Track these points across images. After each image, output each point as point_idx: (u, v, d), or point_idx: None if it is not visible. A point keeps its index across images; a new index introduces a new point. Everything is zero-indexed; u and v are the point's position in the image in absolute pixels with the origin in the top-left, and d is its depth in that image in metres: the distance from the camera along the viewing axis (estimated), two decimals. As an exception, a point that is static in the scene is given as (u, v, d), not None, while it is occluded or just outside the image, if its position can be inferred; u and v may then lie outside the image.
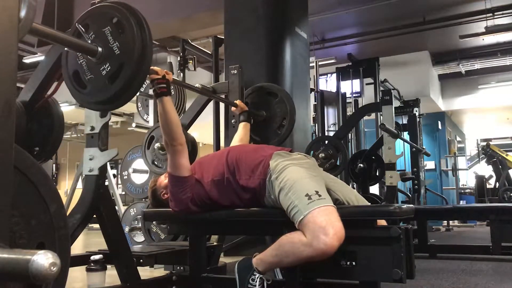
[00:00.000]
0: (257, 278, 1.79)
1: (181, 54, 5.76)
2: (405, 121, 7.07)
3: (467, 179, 12.31)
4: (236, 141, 2.71)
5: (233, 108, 3.03)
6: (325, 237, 1.57)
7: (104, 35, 1.58)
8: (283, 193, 1.78)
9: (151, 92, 2.13)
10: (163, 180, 2.22)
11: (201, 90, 2.95)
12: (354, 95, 7.19)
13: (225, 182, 1.97)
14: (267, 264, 1.79)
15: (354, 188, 5.17)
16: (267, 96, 3.31)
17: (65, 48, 1.69)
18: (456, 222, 8.16)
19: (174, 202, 2.03)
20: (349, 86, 7.22)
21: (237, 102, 2.96)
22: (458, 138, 12.99)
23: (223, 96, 3.38)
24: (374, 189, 5.91)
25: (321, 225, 1.59)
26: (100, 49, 1.57)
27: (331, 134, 6.03)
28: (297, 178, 1.79)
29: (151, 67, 1.86)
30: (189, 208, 2.01)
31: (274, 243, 1.77)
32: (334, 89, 7.34)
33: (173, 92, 3.66)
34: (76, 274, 2.71)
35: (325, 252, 1.58)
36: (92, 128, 2.08)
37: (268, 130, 3.26)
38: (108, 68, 1.57)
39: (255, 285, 1.78)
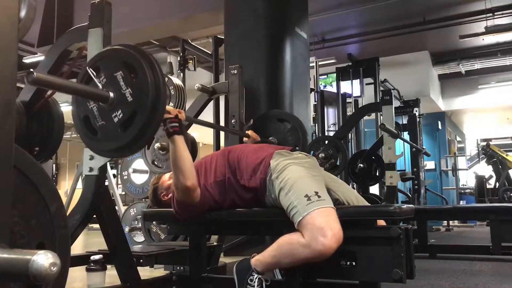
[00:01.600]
0: (256, 278, 1.79)
1: (181, 54, 5.77)
2: (405, 121, 7.06)
3: (467, 179, 12.31)
4: None
5: (245, 139, 3.03)
6: (323, 238, 1.57)
7: (116, 80, 1.51)
8: (283, 192, 1.78)
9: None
10: (166, 180, 2.21)
11: (214, 124, 2.93)
12: (354, 97, 7.19)
13: (227, 182, 1.97)
14: (265, 265, 1.79)
15: (354, 188, 5.17)
16: (278, 122, 3.30)
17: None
18: (456, 222, 8.17)
19: (179, 213, 2.04)
20: (350, 86, 7.22)
21: (249, 132, 2.95)
22: (458, 138, 12.99)
23: (223, 98, 3.38)
24: (374, 189, 5.91)
25: (319, 227, 1.60)
26: (111, 95, 1.51)
27: (331, 134, 6.03)
28: (297, 178, 1.79)
29: None
30: (194, 214, 2.03)
31: (273, 243, 1.77)
32: (334, 89, 7.35)
33: (173, 92, 3.65)
34: (76, 274, 2.70)
35: (323, 254, 1.58)
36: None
37: None
38: (121, 115, 1.50)
39: (254, 286, 1.78)
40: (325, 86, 7.79)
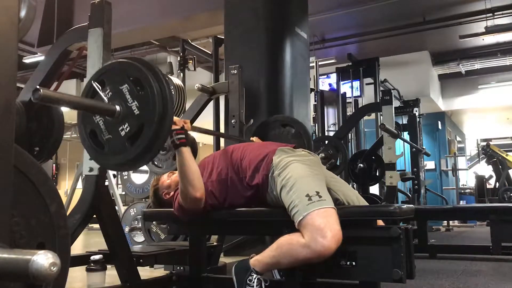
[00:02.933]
0: (255, 279, 1.78)
1: (181, 54, 5.78)
2: (405, 121, 7.07)
3: (467, 179, 12.31)
4: None
5: None
6: (323, 239, 1.57)
7: (121, 93, 1.50)
8: (284, 190, 1.77)
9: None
10: (166, 180, 2.21)
11: (217, 132, 2.93)
12: (354, 97, 7.19)
13: (229, 181, 1.97)
14: (264, 265, 1.79)
15: (354, 188, 5.17)
16: (281, 128, 3.29)
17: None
18: (456, 222, 8.16)
19: (180, 214, 2.04)
20: (350, 87, 7.23)
21: (254, 139, 2.93)
22: (458, 138, 12.99)
23: (223, 98, 3.38)
24: (374, 189, 5.91)
25: (319, 227, 1.59)
26: (118, 108, 1.49)
27: (331, 134, 6.03)
28: (299, 177, 1.78)
29: None
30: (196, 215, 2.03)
31: (272, 243, 1.77)
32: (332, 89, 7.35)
33: (173, 92, 3.66)
34: (76, 274, 2.70)
35: (322, 254, 1.58)
36: (92, 128, 2.08)
37: None
38: (127, 129, 1.48)
39: (253, 286, 1.78)
40: (330, 84, 7.79)
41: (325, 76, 7.96)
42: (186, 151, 1.88)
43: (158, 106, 1.45)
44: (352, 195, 2.00)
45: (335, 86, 7.37)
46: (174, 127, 1.84)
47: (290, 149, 1.98)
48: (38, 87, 1.25)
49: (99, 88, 1.53)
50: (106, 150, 1.55)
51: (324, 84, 7.78)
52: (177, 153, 1.88)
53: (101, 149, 1.56)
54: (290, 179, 1.78)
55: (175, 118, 1.89)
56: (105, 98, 1.52)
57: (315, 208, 1.64)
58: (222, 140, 4.58)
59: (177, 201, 2.01)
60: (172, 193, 2.14)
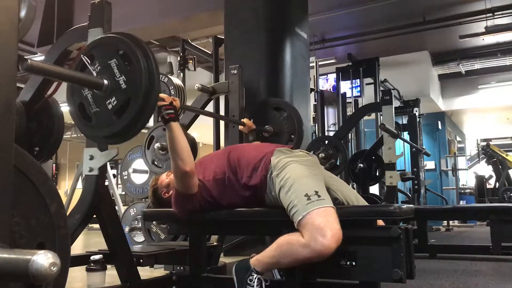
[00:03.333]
0: (255, 278, 1.78)
1: (181, 54, 5.77)
2: (405, 121, 7.07)
3: (467, 179, 12.31)
4: None
5: (240, 127, 3.02)
6: (323, 238, 1.57)
7: (110, 68, 1.53)
8: (283, 191, 1.78)
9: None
10: (164, 179, 2.22)
11: (212, 113, 2.93)
12: (354, 97, 7.19)
13: (227, 180, 1.97)
14: (265, 265, 1.79)
15: (354, 188, 5.17)
16: (274, 111, 3.30)
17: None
18: (456, 222, 8.16)
19: (178, 211, 2.04)
20: (350, 88, 7.23)
21: (244, 120, 2.93)
22: (458, 138, 12.99)
23: (223, 98, 3.38)
24: (374, 189, 5.91)
25: (319, 227, 1.59)
26: (106, 82, 1.53)
27: (331, 134, 6.03)
28: (297, 177, 1.78)
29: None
30: (191, 213, 2.03)
31: (272, 243, 1.77)
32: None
33: (173, 92, 3.65)
34: (76, 274, 2.70)
35: (322, 254, 1.58)
36: (92, 128, 2.08)
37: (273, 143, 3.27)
38: (115, 102, 1.52)
39: (253, 286, 1.78)
40: (334, 87, 7.80)
41: (325, 76, 7.96)
42: (176, 126, 1.91)
43: (144, 81, 1.49)
44: (351, 195, 2.00)
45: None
46: (162, 103, 1.89)
47: (288, 150, 1.98)
48: (25, 57, 1.27)
49: (88, 62, 1.57)
50: (94, 123, 1.59)
51: (328, 82, 7.80)
52: (167, 128, 1.91)
53: (89, 122, 1.60)
54: (288, 179, 1.78)
55: (163, 95, 1.94)
56: (94, 72, 1.56)
57: (314, 207, 1.64)
58: (222, 140, 4.58)
59: (174, 195, 2.03)
60: (171, 192, 2.14)
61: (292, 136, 3.22)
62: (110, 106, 1.53)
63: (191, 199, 1.99)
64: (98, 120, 1.57)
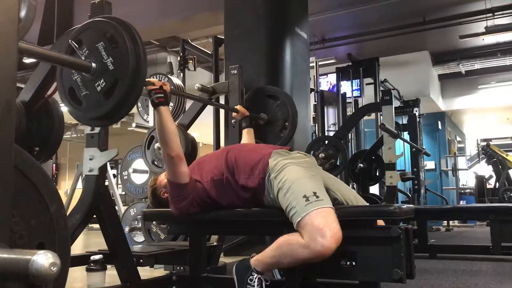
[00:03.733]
0: (256, 278, 1.79)
1: (181, 54, 5.77)
2: (405, 121, 7.07)
3: (467, 179, 12.31)
4: None
5: (234, 114, 3.00)
6: (322, 239, 1.57)
7: (97, 51, 1.58)
8: (281, 193, 1.78)
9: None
10: (163, 179, 2.21)
11: (200, 97, 2.94)
12: (354, 97, 7.19)
13: (225, 181, 1.96)
14: (265, 265, 1.79)
15: (354, 188, 5.18)
16: (268, 98, 3.31)
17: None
18: (456, 222, 8.17)
19: (174, 206, 2.03)
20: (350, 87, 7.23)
21: (238, 107, 2.90)
22: (458, 138, 12.99)
23: (223, 98, 3.38)
24: (374, 189, 5.91)
25: (318, 227, 1.59)
26: (94, 65, 1.57)
27: (331, 134, 6.03)
28: (295, 178, 1.78)
29: (148, 79, 1.87)
30: (189, 211, 2.01)
31: (272, 243, 1.77)
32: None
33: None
34: (76, 274, 2.71)
35: (322, 254, 1.58)
36: (92, 128, 2.08)
37: (270, 132, 3.27)
38: (103, 84, 1.57)
39: (254, 285, 1.78)
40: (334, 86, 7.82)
41: (325, 76, 7.96)
42: (165, 110, 1.94)
43: (131, 61, 1.53)
44: (350, 195, 2.00)
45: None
46: (152, 87, 1.93)
47: (286, 151, 1.98)
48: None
49: (76, 47, 1.61)
50: (84, 106, 1.63)
51: (329, 82, 7.81)
52: (156, 112, 1.94)
53: (79, 105, 1.64)
54: (286, 181, 1.78)
55: (153, 79, 1.97)
56: (82, 57, 1.60)
57: (313, 208, 1.64)
58: (222, 140, 4.58)
59: (168, 189, 2.03)
60: None
61: (286, 123, 3.24)
62: (99, 88, 1.57)
63: (183, 191, 1.97)
64: (88, 103, 1.62)
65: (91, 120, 1.70)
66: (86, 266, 2.21)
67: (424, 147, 7.16)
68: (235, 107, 2.92)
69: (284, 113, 3.25)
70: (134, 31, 1.57)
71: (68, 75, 1.65)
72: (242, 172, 1.93)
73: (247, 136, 2.75)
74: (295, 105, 3.31)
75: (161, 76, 3.62)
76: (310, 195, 1.68)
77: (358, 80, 7.16)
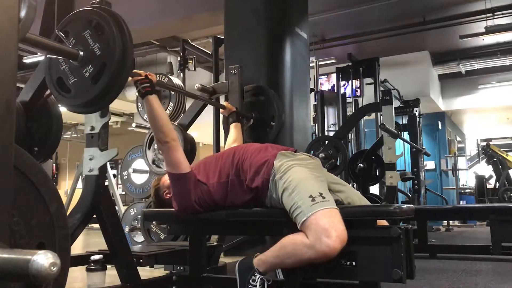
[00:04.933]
0: (258, 278, 1.78)
1: (181, 54, 5.76)
2: (405, 121, 7.07)
3: (467, 179, 12.31)
4: (229, 143, 2.72)
5: (221, 110, 3.06)
6: (328, 239, 1.57)
7: (84, 39, 1.62)
8: (286, 193, 1.77)
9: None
10: (166, 179, 2.21)
11: (200, 95, 2.97)
12: (354, 97, 7.19)
13: (230, 184, 1.97)
14: (268, 265, 1.79)
15: (354, 188, 5.17)
16: (256, 97, 3.36)
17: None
18: (456, 222, 8.17)
19: (177, 202, 2.02)
20: (349, 87, 7.23)
21: (225, 103, 2.98)
22: (458, 138, 12.99)
23: (223, 98, 3.40)
24: (374, 189, 5.91)
25: (323, 227, 1.59)
26: (81, 52, 1.61)
27: (331, 134, 6.03)
28: (301, 179, 1.78)
29: (133, 71, 1.90)
30: (194, 208, 1.99)
31: (275, 244, 1.77)
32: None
33: (173, 92, 3.65)
34: (76, 274, 2.71)
35: (327, 255, 1.58)
36: (92, 128, 2.08)
37: (259, 131, 3.31)
38: (91, 69, 1.61)
39: (256, 286, 1.78)
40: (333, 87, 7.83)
41: (324, 76, 7.96)
42: (153, 99, 1.96)
43: (117, 45, 1.57)
44: (354, 196, 2.00)
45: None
46: (138, 78, 1.95)
47: (291, 153, 1.99)
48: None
49: (63, 37, 1.65)
50: (73, 93, 1.67)
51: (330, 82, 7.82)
52: (144, 101, 1.96)
53: (68, 93, 1.69)
54: (292, 182, 1.78)
55: (139, 71, 2.00)
56: (69, 46, 1.64)
57: (319, 208, 1.64)
58: (222, 140, 4.58)
59: (170, 184, 2.03)
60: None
61: (274, 118, 3.33)
62: (87, 74, 1.62)
63: (186, 183, 1.96)
64: (77, 90, 1.65)
65: (80, 107, 1.73)
66: (86, 266, 2.21)
67: (424, 147, 7.16)
68: (223, 103, 3.01)
69: (270, 110, 3.34)
70: (118, 16, 1.62)
71: (57, 66, 1.70)
72: (248, 173, 1.93)
73: (234, 130, 2.83)
74: (294, 103, 3.33)
75: (161, 76, 3.62)
76: (316, 196, 1.68)
77: (354, 80, 7.14)
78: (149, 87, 1.95)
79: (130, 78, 1.91)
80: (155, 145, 3.37)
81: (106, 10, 1.64)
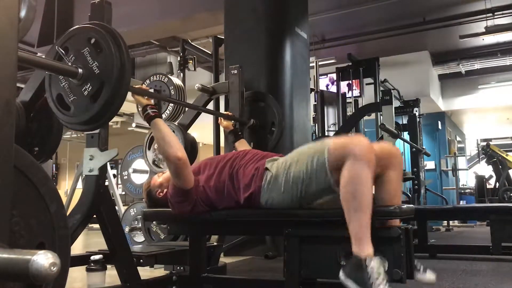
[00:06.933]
0: (373, 264, 1.53)
1: (181, 54, 5.76)
2: (405, 121, 7.07)
3: (467, 179, 12.30)
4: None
5: (219, 120, 3.08)
6: (354, 145, 1.63)
7: (83, 56, 1.65)
8: (293, 165, 1.82)
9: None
10: (157, 179, 2.23)
11: (196, 104, 2.98)
12: (354, 97, 7.19)
13: (226, 188, 1.98)
14: (360, 233, 1.58)
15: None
16: (255, 103, 3.37)
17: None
18: (456, 222, 8.16)
19: (175, 209, 2.05)
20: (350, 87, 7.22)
21: (220, 120, 3.02)
22: (458, 138, 12.98)
23: (223, 98, 3.40)
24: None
25: (344, 141, 1.69)
26: (80, 70, 1.63)
27: (331, 134, 6.02)
28: (297, 151, 1.88)
29: (138, 86, 1.99)
30: (191, 212, 2.03)
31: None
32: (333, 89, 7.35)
33: (173, 92, 3.65)
34: (76, 274, 2.70)
35: (365, 151, 1.61)
36: (92, 128, 2.08)
37: (259, 136, 3.33)
38: (90, 88, 1.64)
39: (380, 275, 1.52)
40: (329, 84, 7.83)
41: (325, 76, 7.97)
42: (161, 121, 2.00)
43: (115, 63, 1.60)
44: None
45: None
46: (148, 102, 2.01)
47: (278, 157, 2.01)
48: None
49: (63, 54, 1.68)
50: (72, 111, 1.70)
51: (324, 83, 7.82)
52: (153, 124, 1.97)
53: (68, 110, 1.71)
54: (291, 157, 1.86)
55: (143, 86, 2.09)
56: (69, 63, 1.67)
57: (329, 143, 1.73)
58: (222, 140, 4.58)
59: (171, 194, 2.04)
60: (165, 191, 2.15)
61: (274, 123, 3.35)
62: (86, 93, 1.64)
63: (187, 196, 1.98)
64: (76, 108, 1.68)
65: (79, 125, 1.76)
66: (86, 266, 2.21)
67: (424, 147, 7.16)
68: (222, 113, 3.08)
69: (270, 116, 3.37)
70: (116, 34, 1.64)
71: (56, 83, 1.73)
72: (241, 182, 1.95)
73: (240, 147, 2.79)
74: (294, 103, 3.33)
75: (161, 76, 3.62)
76: (318, 144, 1.78)
77: (353, 80, 7.14)
78: (156, 111, 1.99)
79: (138, 98, 2.00)
80: (155, 145, 3.37)
81: (105, 27, 1.67)
